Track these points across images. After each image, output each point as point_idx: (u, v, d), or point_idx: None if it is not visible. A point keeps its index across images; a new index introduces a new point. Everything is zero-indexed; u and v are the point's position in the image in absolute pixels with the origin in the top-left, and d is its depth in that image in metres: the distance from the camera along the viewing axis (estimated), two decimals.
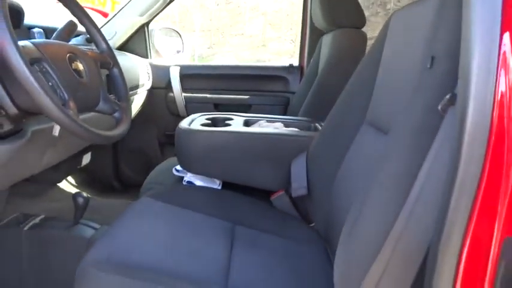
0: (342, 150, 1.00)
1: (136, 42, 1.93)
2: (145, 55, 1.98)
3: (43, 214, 1.22)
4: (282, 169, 1.18)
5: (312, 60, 1.82)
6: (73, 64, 0.84)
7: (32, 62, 0.73)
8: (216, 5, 7.94)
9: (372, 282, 0.57)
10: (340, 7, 1.52)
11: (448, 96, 0.53)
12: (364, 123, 0.97)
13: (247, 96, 2.00)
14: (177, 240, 0.86)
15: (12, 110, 0.76)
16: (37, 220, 1.18)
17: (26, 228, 1.14)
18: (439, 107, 0.55)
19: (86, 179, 1.91)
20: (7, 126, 0.79)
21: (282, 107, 2.00)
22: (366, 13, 1.62)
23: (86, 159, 1.75)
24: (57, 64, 0.78)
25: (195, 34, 7.28)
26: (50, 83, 0.75)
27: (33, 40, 0.78)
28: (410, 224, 0.55)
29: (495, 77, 0.46)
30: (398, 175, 0.58)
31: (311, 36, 1.95)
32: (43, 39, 0.91)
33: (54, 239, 1.14)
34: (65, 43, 0.89)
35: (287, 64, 2.04)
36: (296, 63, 2.05)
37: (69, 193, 1.65)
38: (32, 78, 0.66)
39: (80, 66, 0.86)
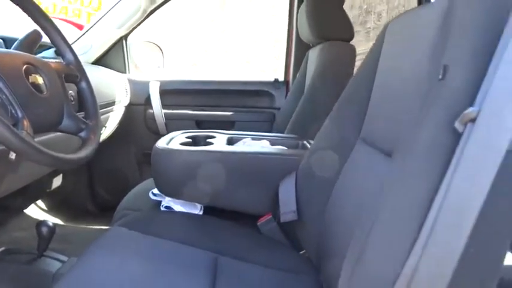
0: (334, 170, 0.92)
1: (114, 56, 1.84)
2: (123, 70, 1.88)
3: (3, 246, 1.10)
4: (270, 191, 1.08)
5: (298, 74, 1.75)
6: (30, 77, 0.73)
7: None
8: (200, 22, 7.93)
9: None
10: (327, 19, 1.45)
11: (467, 111, 0.46)
12: (359, 141, 0.89)
13: (230, 113, 1.91)
14: (152, 276, 0.76)
15: None
16: None
17: None
18: (456, 124, 0.47)
19: (57, 203, 1.77)
20: None
21: (268, 124, 1.92)
22: None
23: (57, 181, 1.62)
24: (10, 77, 0.68)
25: (178, 51, 7.23)
26: None
27: None
28: (424, 259, 0.47)
29: None
30: (410, 202, 0.49)
31: (297, 50, 1.89)
32: None
33: (14, 275, 1.02)
34: (22, 53, 0.78)
35: (272, 79, 1.97)
36: (281, 78, 1.98)
37: (36, 220, 1.52)
38: None
39: (40, 80, 0.76)
